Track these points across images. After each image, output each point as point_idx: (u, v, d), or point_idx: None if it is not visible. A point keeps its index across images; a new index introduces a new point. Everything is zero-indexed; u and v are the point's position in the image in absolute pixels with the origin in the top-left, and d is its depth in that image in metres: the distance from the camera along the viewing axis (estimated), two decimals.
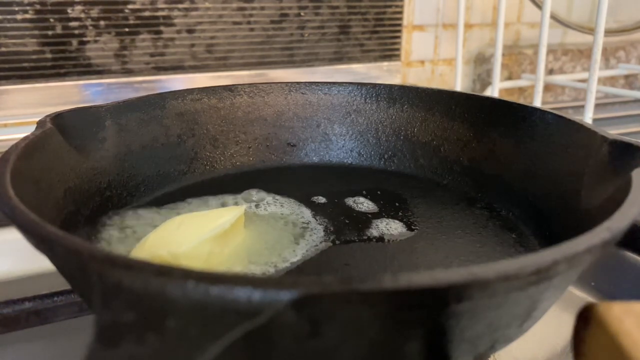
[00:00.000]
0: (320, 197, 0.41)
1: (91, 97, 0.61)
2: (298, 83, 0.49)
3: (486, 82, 0.84)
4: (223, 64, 0.66)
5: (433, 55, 0.84)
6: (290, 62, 0.70)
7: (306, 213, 0.38)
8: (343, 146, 0.49)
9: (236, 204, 0.40)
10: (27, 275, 0.37)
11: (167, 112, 0.44)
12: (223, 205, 0.39)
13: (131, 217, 0.37)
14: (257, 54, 0.68)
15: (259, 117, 0.48)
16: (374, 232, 0.36)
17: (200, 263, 0.30)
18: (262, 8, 0.67)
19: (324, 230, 0.36)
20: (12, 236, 0.32)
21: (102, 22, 0.60)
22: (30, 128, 0.33)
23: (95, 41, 0.60)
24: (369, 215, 0.39)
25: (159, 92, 0.45)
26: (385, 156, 0.48)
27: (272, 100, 0.49)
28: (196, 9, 0.63)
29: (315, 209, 0.39)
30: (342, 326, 0.17)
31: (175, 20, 0.63)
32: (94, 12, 0.59)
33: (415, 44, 0.82)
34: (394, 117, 0.49)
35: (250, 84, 0.48)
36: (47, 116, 0.35)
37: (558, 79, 0.86)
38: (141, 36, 0.62)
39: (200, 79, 0.66)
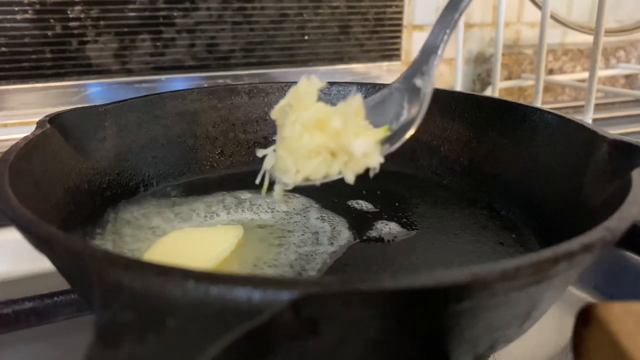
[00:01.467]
0: (320, 197, 0.41)
1: (91, 97, 0.61)
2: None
3: (486, 82, 0.84)
4: (223, 64, 0.66)
5: None
6: (291, 62, 0.70)
7: (306, 214, 0.38)
8: None
9: (236, 205, 0.40)
10: (27, 275, 0.37)
11: (167, 112, 0.44)
12: (223, 207, 0.39)
13: (131, 217, 0.37)
14: (257, 54, 0.68)
15: (259, 117, 0.48)
16: (373, 232, 0.36)
17: None
18: (263, 8, 0.67)
19: (323, 231, 0.36)
20: (12, 236, 0.32)
21: (102, 22, 0.60)
22: (30, 128, 0.33)
23: (95, 41, 0.60)
24: (369, 216, 0.39)
25: (159, 92, 0.45)
26: (385, 156, 0.48)
27: (272, 100, 0.48)
28: (196, 9, 0.63)
29: (315, 209, 0.39)
30: (342, 326, 0.17)
31: (175, 20, 0.63)
32: (94, 12, 0.59)
33: (415, 44, 0.82)
34: None
35: (250, 84, 0.48)
36: (47, 116, 0.35)
37: (558, 79, 0.86)
38: (141, 36, 0.62)
39: (200, 79, 0.66)
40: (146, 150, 0.42)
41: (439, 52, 0.35)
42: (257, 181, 0.31)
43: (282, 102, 0.30)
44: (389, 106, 0.36)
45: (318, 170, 0.30)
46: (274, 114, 0.30)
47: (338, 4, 0.71)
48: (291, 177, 0.30)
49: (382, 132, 0.32)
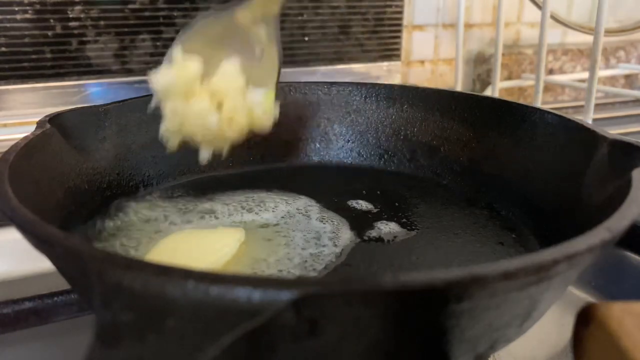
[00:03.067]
0: (320, 198, 0.41)
1: (91, 97, 0.61)
2: (298, 83, 0.49)
3: (486, 82, 0.84)
4: None
5: (433, 55, 0.84)
6: (291, 62, 0.70)
7: (307, 214, 0.38)
8: (343, 146, 0.49)
9: (237, 205, 0.40)
10: (27, 275, 0.37)
11: None
12: (224, 207, 0.39)
13: (131, 217, 0.37)
14: None
15: None
16: (373, 232, 0.36)
17: None
18: None
19: (324, 231, 0.36)
20: (12, 236, 0.32)
21: (102, 22, 0.60)
22: (30, 128, 0.33)
23: (95, 41, 0.60)
24: (369, 216, 0.39)
25: None
26: (385, 156, 0.48)
27: None
28: (196, 9, 0.63)
29: (315, 209, 0.39)
30: (342, 326, 0.17)
31: (175, 20, 0.63)
32: (94, 12, 0.59)
33: (415, 44, 0.82)
34: (393, 117, 0.49)
35: None
36: (47, 116, 0.35)
37: (558, 79, 0.86)
38: (141, 36, 0.62)
39: None
40: (146, 150, 0.42)
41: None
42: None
43: (166, 85, 0.34)
44: (236, 40, 0.38)
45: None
46: (161, 94, 0.34)
47: (338, 4, 0.71)
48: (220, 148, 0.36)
49: (272, 94, 0.38)
